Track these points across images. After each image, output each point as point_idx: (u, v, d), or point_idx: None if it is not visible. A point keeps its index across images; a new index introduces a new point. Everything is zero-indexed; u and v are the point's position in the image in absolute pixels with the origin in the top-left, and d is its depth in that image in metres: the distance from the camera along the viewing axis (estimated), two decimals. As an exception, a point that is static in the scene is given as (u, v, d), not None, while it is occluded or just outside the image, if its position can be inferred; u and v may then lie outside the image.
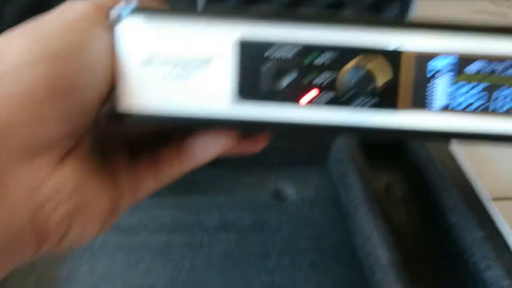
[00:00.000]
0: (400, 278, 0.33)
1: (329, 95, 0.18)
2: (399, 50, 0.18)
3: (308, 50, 0.18)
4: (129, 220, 0.40)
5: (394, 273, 0.33)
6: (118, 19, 0.18)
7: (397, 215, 0.43)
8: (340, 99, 0.18)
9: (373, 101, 0.18)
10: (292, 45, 0.18)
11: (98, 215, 0.19)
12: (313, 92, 0.18)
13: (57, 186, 0.17)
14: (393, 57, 0.17)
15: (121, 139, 0.22)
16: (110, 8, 0.18)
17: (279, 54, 0.18)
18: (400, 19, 0.18)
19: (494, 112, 0.18)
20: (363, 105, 0.18)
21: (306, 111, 0.18)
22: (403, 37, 0.18)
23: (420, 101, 0.18)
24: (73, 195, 0.17)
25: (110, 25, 0.18)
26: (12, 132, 0.15)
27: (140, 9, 0.18)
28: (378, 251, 0.35)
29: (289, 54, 0.18)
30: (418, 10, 0.52)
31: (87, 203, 0.18)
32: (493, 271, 0.34)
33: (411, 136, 0.19)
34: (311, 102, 0.18)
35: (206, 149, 0.21)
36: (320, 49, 0.18)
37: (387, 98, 0.18)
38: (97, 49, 0.17)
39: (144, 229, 0.39)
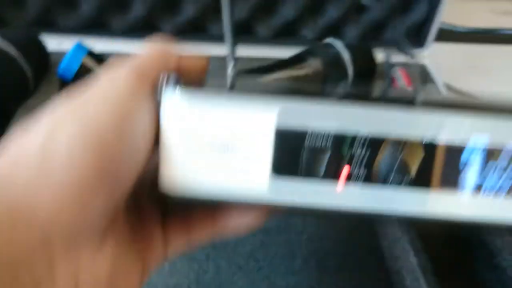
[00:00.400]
0: (430, 283, 0.32)
1: (364, 180, 0.18)
2: (434, 142, 0.18)
3: (343, 138, 0.18)
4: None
5: (423, 278, 0.32)
6: (160, 98, 0.18)
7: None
8: (374, 183, 0.18)
9: (406, 186, 0.18)
10: (328, 133, 0.18)
11: (131, 282, 0.18)
12: (348, 177, 0.18)
13: (96, 273, 0.16)
14: (428, 147, 0.18)
15: (154, 201, 0.21)
16: (151, 73, 0.18)
17: (315, 141, 0.18)
18: (434, 106, 0.18)
19: None
20: (396, 189, 0.18)
21: (342, 195, 0.18)
22: (437, 127, 0.18)
23: (451, 186, 0.18)
24: (111, 276, 0.17)
25: (154, 101, 0.18)
26: (58, 222, 0.15)
27: (182, 90, 0.18)
28: (407, 255, 0.35)
29: (324, 142, 0.18)
30: (444, 11, 0.52)
31: (122, 276, 0.17)
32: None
33: (443, 222, 0.19)
34: (346, 185, 0.18)
35: (239, 223, 0.21)
36: (355, 138, 0.18)
37: (420, 183, 0.18)
38: (142, 128, 0.17)
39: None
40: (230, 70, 0.37)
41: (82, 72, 0.40)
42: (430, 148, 0.18)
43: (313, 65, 0.43)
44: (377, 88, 0.49)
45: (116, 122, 0.16)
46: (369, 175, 0.18)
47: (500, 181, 0.18)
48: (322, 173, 0.18)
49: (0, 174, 0.15)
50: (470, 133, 0.18)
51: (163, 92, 0.18)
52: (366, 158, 0.18)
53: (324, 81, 0.43)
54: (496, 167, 0.18)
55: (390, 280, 0.37)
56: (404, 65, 0.51)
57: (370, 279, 0.37)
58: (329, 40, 0.45)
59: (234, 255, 0.38)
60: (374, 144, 0.18)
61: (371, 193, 0.18)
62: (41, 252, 0.15)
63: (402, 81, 0.48)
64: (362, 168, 0.18)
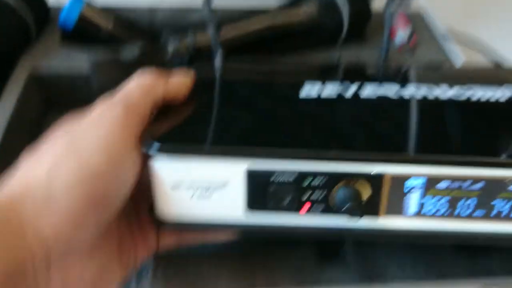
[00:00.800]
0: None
1: (323, 207, 0.22)
2: (380, 174, 0.21)
3: (304, 176, 0.21)
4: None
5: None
6: (147, 152, 0.22)
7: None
8: (332, 210, 0.22)
9: (359, 212, 0.21)
10: (291, 172, 0.21)
11: (115, 280, 0.23)
12: (309, 206, 0.22)
13: (83, 277, 0.20)
14: (375, 179, 0.21)
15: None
16: (139, 103, 0.22)
17: (281, 179, 0.21)
18: (379, 154, 0.22)
19: (458, 216, 0.22)
20: (351, 215, 0.21)
21: (305, 220, 0.22)
22: (383, 166, 0.21)
23: (397, 210, 0.22)
24: (96, 279, 0.21)
25: (142, 150, 0.22)
26: (58, 239, 0.19)
27: (164, 149, 0.21)
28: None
29: (289, 178, 0.21)
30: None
31: (106, 276, 0.22)
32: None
33: (390, 237, 0.24)
34: (308, 212, 0.22)
35: (221, 237, 0.26)
36: (314, 175, 0.21)
37: (370, 209, 0.22)
38: (129, 165, 0.21)
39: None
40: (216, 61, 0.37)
41: (82, 23, 0.41)
42: (377, 181, 0.21)
43: (308, 9, 0.44)
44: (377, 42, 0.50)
45: (109, 160, 0.20)
46: (327, 203, 0.22)
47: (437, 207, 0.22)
48: (287, 206, 0.22)
49: (13, 194, 0.19)
50: (409, 172, 0.21)
51: (148, 150, 0.22)
52: (325, 193, 0.22)
53: (318, 27, 0.44)
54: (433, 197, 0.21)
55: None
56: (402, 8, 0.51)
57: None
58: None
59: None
60: (331, 182, 0.21)
61: (328, 217, 0.22)
62: (43, 261, 0.18)
63: (401, 26, 0.48)
64: (321, 200, 0.22)
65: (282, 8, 0.44)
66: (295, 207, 0.22)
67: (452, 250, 0.31)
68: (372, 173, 0.21)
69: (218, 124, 0.24)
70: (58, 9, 0.45)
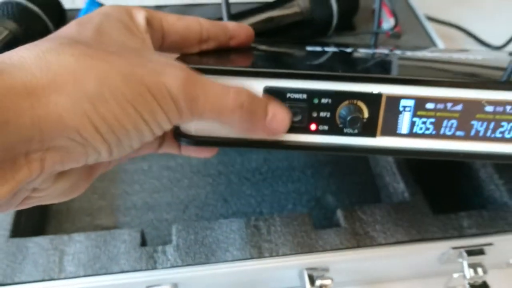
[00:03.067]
0: (404, 175, 0.39)
1: (330, 123, 0.25)
2: (379, 93, 0.24)
3: (314, 94, 0.24)
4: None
5: (398, 172, 0.39)
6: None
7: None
8: (338, 126, 0.25)
9: (360, 124, 0.24)
10: (302, 90, 0.24)
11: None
12: (319, 121, 0.25)
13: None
14: (376, 98, 0.24)
15: None
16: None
17: (294, 95, 0.24)
18: (377, 75, 0.25)
19: (444, 135, 0.25)
20: (353, 130, 0.25)
21: (314, 135, 0.25)
22: (380, 86, 0.24)
23: (392, 128, 0.25)
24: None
25: None
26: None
27: (197, 70, 0.23)
28: (386, 159, 0.41)
29: (301, 96, 0.24)
30: None
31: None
32: (485, 168, 0.40)
33: (385, 153, 0.26)
34: (317, 128, 0.25)
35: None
36: (322, 93, 0.24)
37: (370, 126, 0.25)
38: None
39: (183, 152, 0.45)
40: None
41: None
42: (377, 99, 0.24)
43: (301, 3, 0.48)
44: (367, 29, 0.54)
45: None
46: (334, 119, 0.25)
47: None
48: (300, 120, 0.25)
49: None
50: (403, 93, 0.25)
51: None
52: (332, 109, 0.25)
53: (311, 19, 0.48)
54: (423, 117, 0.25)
55: (375, 183, 0.44)
56: None
57: (358, 183, 0.44)
58: (314, -21, 0.49)
59: (242, 170, 0.44)
60: (337, 100, 0.24)
61: (335, 133, 0.25)
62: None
63: (386, 16, 0.53)
64: (329, 116, 0.25)
65: (278, 2, 0.48)
66: (306, 123, 0.25)
67: (429, 213, 0.36)
68: (373, 92, 0.24)
69: (244, 57, 0.28)
70: (73, 12, 0.50)
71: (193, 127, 0.25)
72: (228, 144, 0.25)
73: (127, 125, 0.19)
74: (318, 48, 0.33)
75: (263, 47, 0.33)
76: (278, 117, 0.24)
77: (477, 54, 0.34)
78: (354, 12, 0.52)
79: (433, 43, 0.52)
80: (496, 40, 0.60)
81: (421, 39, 0.53)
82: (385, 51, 0.35)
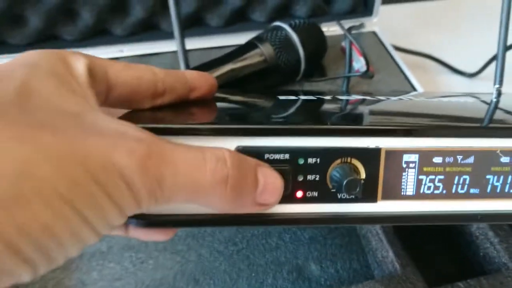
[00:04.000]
0: (392, 244, 0.35)
1: (321, 188, 0.20)
2: (378, 147, 0.20)
3: (298, 153, 0.20)
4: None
5: (386, 239, 0.35)
6: None
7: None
8: (330, 191, 0.20)
9: (358, 191, 0.20)
10: (284, 149, 0.20)
11: None
12: (306, 187, 0.20)
13: None
14: (374, 153, 0.20)
15: None
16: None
17: (274, 156, 0.20)
18: (373, 127, 0.21)
19: (456, 194, 0.21)
20: (349, 195, 0.20)
21: (301, 204, 0.21)
22: (380, 140, 0.20)
23: (395, 190, 0.21)
24: None
25: None
26: None
27: (161, 131, 0.19)
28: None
29: (284, 156, 0.20)
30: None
31: None
32: (478, 224, 0.36)
33: (389, 221, 0.22)
34: (304, 195, 0.20)
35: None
36: (310, 152, 0.20)
37: (369, 189, 0.21)
38: None
39: (146, 227, 0.41)
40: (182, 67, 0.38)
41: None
42: (375, 155, 0.20)
43: (265, 50, 0.44)
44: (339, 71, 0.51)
45: None
46: (325, 183, 0.20)
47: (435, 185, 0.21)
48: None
49: None
50: (406, 146, 0.21)
51: None
52: (321, 171, 0.20)
53: (277, 65, 0.45)
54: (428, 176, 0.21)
55: (360, 244, 0.40)
56: (355, 36, 0.53)
57: (342, 246, 0.40)
58: (276, 23, 0.46)
59: (213, 242, 0.40)
60: (326, 160, 0.20)
61: (327, 200, 0.21)
62: None
63: (356, 55, 0.50)
64: (319, 179, 0.20)
65: (239, 51, 0.44)
66: (290, 190, 0.20)
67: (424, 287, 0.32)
68: (369, 147, 0.20)
69: (207, 112, 0.24)
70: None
71: None
72: (196, 224, 0.21)
73: (60, 232, 0.14)
74: (292, 97, 0.28)
75: (229, 99, 0.29)
76: (270, 186, 0.19)
77: (468, 98, 0.31)
78: (322, 53, 0.49)
79: (407, 81, 0.49)
80: (469, 67, 0.58)
81: (394, 77, 0.50)
82: (368, 97, 0.31)
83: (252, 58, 0.44)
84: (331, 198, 0.20)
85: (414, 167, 0.21)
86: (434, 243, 0.40)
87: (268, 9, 0.53)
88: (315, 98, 0.29)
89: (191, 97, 0.24)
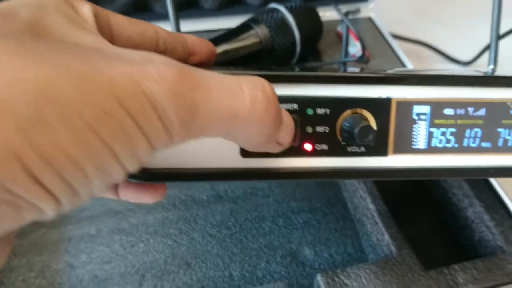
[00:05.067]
0: (388, 226, 0.35)
1: (330, 140, 0.19)
2: (389, 98, 0.20)
3: (308, 102, 0.19)
4: (122, 202, 0.40)
5: (381, 222, 0.35)
6: None
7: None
8: (340, 144, 0.20)
9: (371, 139, 0.19)
10: (294, 98, 0.19)
11: None
12: (316, 139, 0.19)
13: None
14: (385, 104, 0.20)
15: None
16: None
17: (283, 106, 0.18)
18: (387, 76, 0.20)
19: (468, 148, 0.21)
20: (360, 149, 0.20)
21: (310, 158, 0.20)
22: (392, 89, 0.19)
23: (406, 143, 0.20)
24: None
25: None
26: None
27: None
28: (365, 203, 0.37)
29: (292, 106, 0.19)
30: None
31: None
32: (473, 208, 0.36)
33: (400, 175, 0.21)
34: (313, 148, 0.19)
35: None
36: (319, 102, 0.19)
37: (379, 142, 0.20)
38: None
39: (138, 210, 0.40)
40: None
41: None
42: (387, 106, 0.20)
43: (260, 32, 0.43)
44: (336, 55, 0.50)
45: None
46: (335, 136, 0.20)
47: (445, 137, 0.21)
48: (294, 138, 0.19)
49: None
50: (417, 96, 0.20)
51: None
52: (331, 122, 0.19)
53: (272, 47, 0.44)
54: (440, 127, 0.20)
55: (355, 228, 0.39)
56: (352, 21, 0.52)
57: (336, 229, 0.39)
58: (272, 5, 0.45)
59: (206, 226, 0.39)
60: (337, 110, 0.19)
61: (336, 154, 0.20)
62: None
63: (352, 40, 0.49)
64: (329, 131, 0.19)
65: (234, 32, 0.43)
66: (299, 142, 0.19)
67: (420, 269, 0.32)
68: (381, 97, 0.19)
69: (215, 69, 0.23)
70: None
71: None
72: (191, 178, 0.19)
73: (85, 164, 0.12)
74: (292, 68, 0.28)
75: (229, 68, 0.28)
76: (289, 124, 0.17)
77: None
78: (318, 38, 0.48)
79: (403, 66, 0.49)
80: (464, 56, 0.58)
81: (390, 62, 0.50)
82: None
83: (247, 40, 0.43)
84: (341, 151, 0.20)
85: (425, 119, 0.20)
86: (429, 227, 0.39)
87: (263, -8, 0.52)
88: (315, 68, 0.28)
89: (190, 61, 0.23)
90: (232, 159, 0.18)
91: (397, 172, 0.20)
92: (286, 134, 0.17)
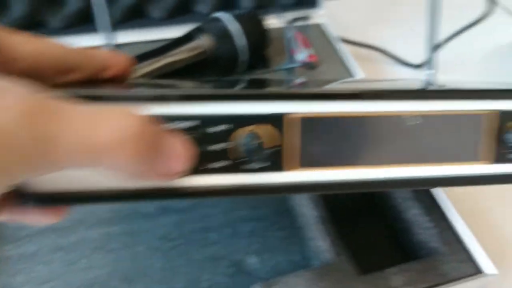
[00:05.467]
0: (329, 232, 0.35)
1: (227, 158, 0.20)
2: (281, 113, 0.20)
3: (204, 120, 0.19)
4: (63, 219, 0.39)
5: (322, 228, 0.35)
6: None
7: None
8: (235, 161, 0.20)
9: (263, 162, 0.20)
10: (191, 117, 0.19)
11: None
12: (209, 158, 0.19)
13: None
14: (277, 119, 0.20)
15: None
16: None
17: (182, 125, 0.19)
18: (281, 92, 0.21)
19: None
20: (254, 166, 0.20)
21: (207, 175, 0.20)
22: (282, 105, 0.20)
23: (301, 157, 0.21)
24: None
25: None
26: None
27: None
28: (308, 210, 0.37)
29: (189, 125, 0.19)
30: None
31: None
32: (413, 210, 0.37)
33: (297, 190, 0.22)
34: (209, 166, 0.19)
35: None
36: (212, 119, 0.19)
37: (274, 158, 0.20)
38: None
39: (79, 225, 0.39)
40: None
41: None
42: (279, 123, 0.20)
43: (204, 42, 0.43)
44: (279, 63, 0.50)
45: None
46: (229, 154, 0.20)
47: None
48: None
49: None
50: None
51: None
52: (226, 141, 0.19)
53: (217, 56, 0.44)
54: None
55: (299, 235, 0.39)
56: (301, 28, 0.52)
57: (282, 238, 0.39)
58: (216, 14, 0.45)
59: (150, 238, 0.39)
60: (231, 129, 0.19)
61: (231, 171, 0.20)
62: None
63: (300, 46, 0.50)
64: (223, 150, 0.19)
65: (176, 42, 0.43)
66: (195, 159, 0.19)
67: (354, 275, 0.32)
68: (273, 112, 0.19)
69: (116, 86, 0.23)
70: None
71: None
72: (93, 199, 0.19)
73: None
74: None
75: (151, 83, 0.28)
76: (176, 153, 0.17)
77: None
78: (264, 45, 0.48)
79: (349, 73, 0.49)
80: (416, 59, 0.59)
81: (338, 70, 0.50)
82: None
83: (190, 50, 0.43)
84: (237, 168, 0.20)
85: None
86: (372, 231, 0.40)
87: (212, 1, 0.52)
88: (238, 80, 0.28)
89: (104, 76, 0.23)
90: (121, 180, 0.18)
91: (294, 188, 0.20)
92: (175, 163, 0.17)
